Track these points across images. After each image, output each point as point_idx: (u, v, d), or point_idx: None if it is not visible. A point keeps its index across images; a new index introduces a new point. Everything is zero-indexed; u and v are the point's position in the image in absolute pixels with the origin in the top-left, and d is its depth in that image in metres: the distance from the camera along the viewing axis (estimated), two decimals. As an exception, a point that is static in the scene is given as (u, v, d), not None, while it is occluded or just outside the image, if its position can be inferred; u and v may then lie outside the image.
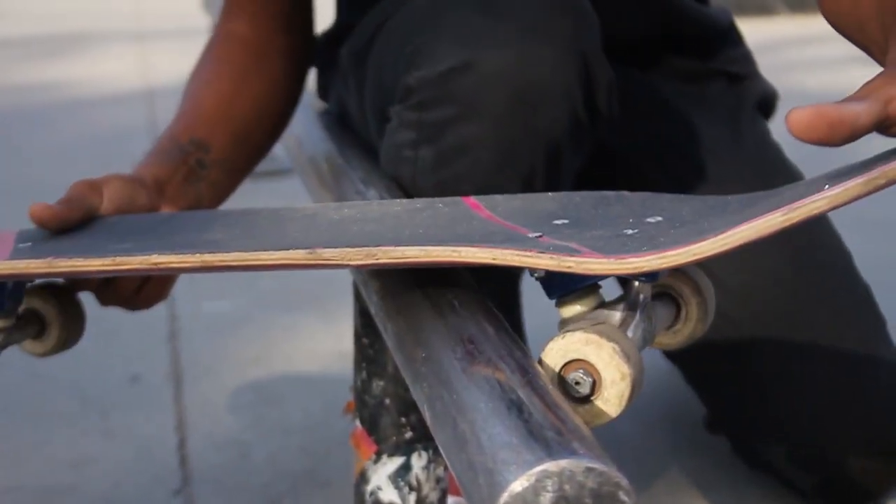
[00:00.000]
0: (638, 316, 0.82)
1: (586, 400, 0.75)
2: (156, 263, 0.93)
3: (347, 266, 0.89)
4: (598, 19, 1.16)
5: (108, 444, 1.64)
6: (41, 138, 3.96)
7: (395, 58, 1.19)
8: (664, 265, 0.77)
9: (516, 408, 0.66)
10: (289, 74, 1.46)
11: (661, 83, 1.48)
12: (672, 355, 1.50)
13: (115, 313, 2.17)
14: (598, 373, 0.74)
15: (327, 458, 1.57)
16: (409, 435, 1.16)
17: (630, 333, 0.81)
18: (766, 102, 1.59)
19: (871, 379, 1.38)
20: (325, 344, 1.99)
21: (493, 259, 0.82)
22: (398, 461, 1.16)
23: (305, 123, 1.54)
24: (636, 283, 0.83)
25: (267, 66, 1.43)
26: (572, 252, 0.81)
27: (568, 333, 0.75)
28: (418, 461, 1.16)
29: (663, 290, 0.93)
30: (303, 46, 1.47)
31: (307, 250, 0.88)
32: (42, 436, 1.68)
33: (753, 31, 5.60)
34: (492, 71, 1.09)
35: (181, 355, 1.97)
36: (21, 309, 1.11)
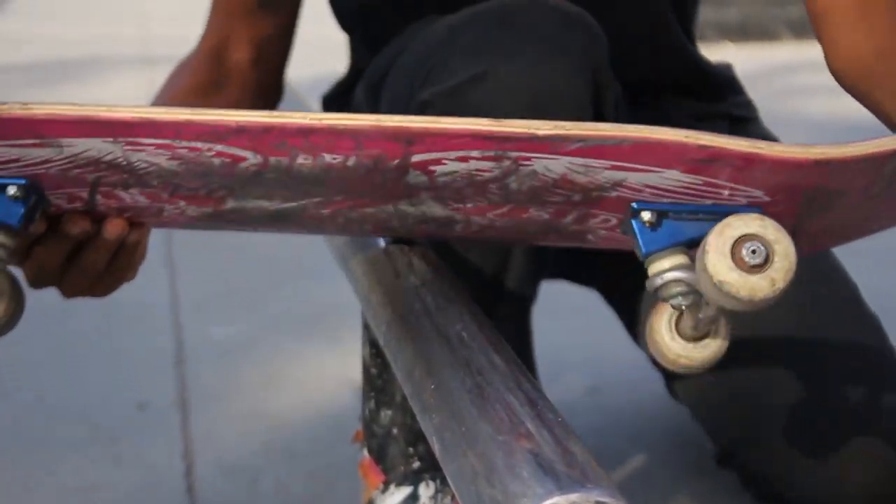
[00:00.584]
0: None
1: (757, 269, 0.79)
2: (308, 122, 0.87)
3: (534, 139, 0.87)
4: (605, 38, 1.20)
5: (115, 471, 1.65)
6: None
7: (411, 80, 1.23)
8: (852, 153, 0.84)
9: (526, 440, 0.67)
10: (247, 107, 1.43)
11: (669, 115, 1.49)
12: (681, 393, 1.50)
13: (122, 337, 2.18)
14: (772, 246, 0.78)
15: (335, 485, 1.58)
16: (416, 465, 1.17)
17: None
18: None
19: (880, 409, 1.37)
20: (333, 370, 1.99)
21: (688, 138, 0.85)
22: (406, 491, 1.17)
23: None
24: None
25: (228, 93, 1.44)
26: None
27: (743, 215, 0.81)
28: (426, 491, 1.16)
29: None
30: (270, 84, 1.48)
31: (493, 119, 0.86)
32: (50, 463, 1.68)
33: (757, 56, 5.61)
34: (507, 80, 1.13)
35: (188, 381, 1.98)
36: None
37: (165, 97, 1.40)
